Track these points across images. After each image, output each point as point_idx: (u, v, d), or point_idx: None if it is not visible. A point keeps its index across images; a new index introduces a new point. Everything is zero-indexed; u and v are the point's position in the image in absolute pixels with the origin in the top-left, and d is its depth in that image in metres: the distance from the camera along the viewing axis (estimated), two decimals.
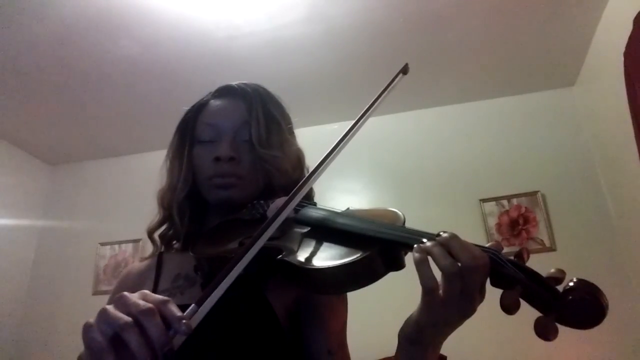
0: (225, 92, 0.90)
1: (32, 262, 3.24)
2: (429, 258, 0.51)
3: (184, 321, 0.44)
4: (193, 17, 2.20)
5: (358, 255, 0.55)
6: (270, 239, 0.60)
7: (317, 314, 0.77)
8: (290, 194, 0.64)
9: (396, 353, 0.59)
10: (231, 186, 0.81)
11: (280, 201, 0.73)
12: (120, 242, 3.14)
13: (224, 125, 0.84)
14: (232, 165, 0.80)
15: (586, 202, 2.66)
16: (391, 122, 3.09)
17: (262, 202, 0.78)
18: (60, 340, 2.95)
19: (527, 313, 0.51)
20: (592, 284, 0.48)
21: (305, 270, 0.58)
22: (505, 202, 2.75)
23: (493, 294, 0.52)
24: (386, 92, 0.79)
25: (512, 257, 0.52)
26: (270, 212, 0.73)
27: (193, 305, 0.47)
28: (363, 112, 0.76)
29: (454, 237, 0.52)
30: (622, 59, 2.01)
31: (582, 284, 0.48)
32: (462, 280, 0.49)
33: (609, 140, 2.55)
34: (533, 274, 0.50)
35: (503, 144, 2.91)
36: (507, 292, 0.49)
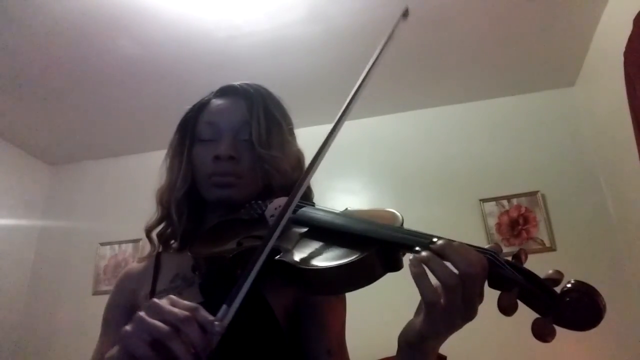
0: (226, 91, 0.90)
1: (32, 262, 3.24)
2: (426, 269, 0.50)
3: (216, 323, 0.48)
4: (193, 17, 2.20)
5: (356, 255, 0.55)
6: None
7: (316, 314, 0.76)
8: (297, 185, 0.64)
9: (396, 356, 0.59)
10: (230, 185, 0.81)
11: (279, 201, 0.73)
12: (120, 242, 3.14)
13: (225, 125, 0.84)
14: (231, 164, 0.80)
15: (586, 202, 2.66)
16: (391, 122, 3.09)
17: (260, 202, 0.77)
18: (60, 340, 2.95)
19: (528, 313, 0.51)
20: (590, 286, 0.47)
21: (303, 271, 0.58)
22: (505, 202, 2.75)
23: (493, 294, 0.52)
24: (388, 39, 0.77)
25: (509, 259, 0.52)
26: (268, 212, 0.73)
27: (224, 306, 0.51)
28: (366, 70, 0.75)
29: (448, 244, 0.50)
30: (622, 59, 2.01)
31: (579, 285, 0.48)
32: (463, 288, 0.48)
33: (609, 140, 2.55)
34: (530, 276, 0.50)
35: (503, 144, 2.91)
36: (505, 294, 0.49)
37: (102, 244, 3.16)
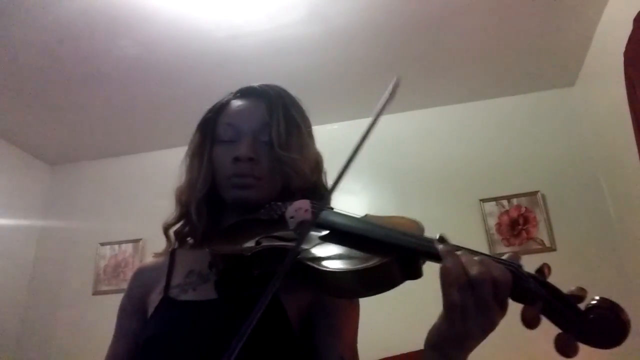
0: (246, 92, 0.90)
1: (32, 262, 3.24)
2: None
3: None
4: (193, 17, 2.20)
5: (376, 261, 0.55)
6: (288, 240, 0.60)
7: (330, 320, 0.76)
8: (328, 191, 0.66)
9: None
10: (249, 186, 0.81)
11: (299, 203, 0.73)
12: (120, 242, 3.13)
13: (244, 126, 0.84)
14: (250, 166, 0.80)
15: (586, 202, 2.66)
16: (391, 122, 3.08)
17: (279, 203, 0.77)
18: (60, 340, 2.95)
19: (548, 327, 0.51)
20: (615, 304, 0.47)
21: (323, 273, 0.58)
22: (505, 202, 2.75)
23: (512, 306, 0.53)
24: (382, 109, 0.77)
25: (533, 273, 0.52)
26: (288, 214, 0.72)
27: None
28: (362, 135, 0.75)
29: (465, 253, 0.52)
30: (622, 59, 2.01)
31: (604, 302, 0.47)
32: (473, 292, 0.50)
33: (609, 140, 2.55)
34: (554, 290, 0.50)
35: (503, 144, 2.91)
36: (528, 307, 0.49)
37: (102, 244, 3.16)
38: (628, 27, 1.93)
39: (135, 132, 3.19)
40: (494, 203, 2.76)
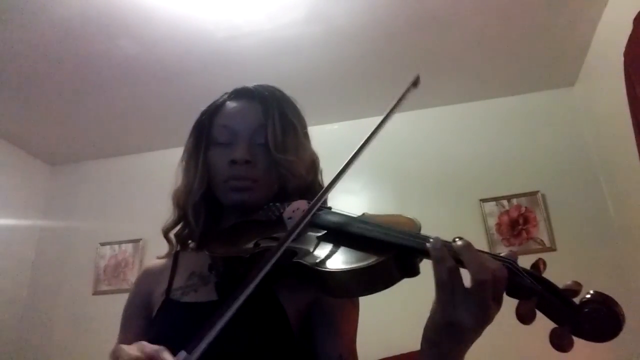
0: (241, 93, 0.90)
1: (32, 262, 3.24)
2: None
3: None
4: (193, 17, 2.20)
5: (373, 260, 0.55)
6: None
7: (330, 319, 0.76)
8: (315, 198, 0.65)
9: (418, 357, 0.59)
10: (246, 189, 0.81)
11: (297, 204, 0.74)
12: (120, 242, 3.14)
13: (240, 128, 0.84)
14: (247, 168, 0.81)
15: (586, 202, 2.66)
16: (391, 122, 3.08)
17: (277, 204, 0.78)
18: (60, 340, 2.95)
19: (544, 321, 0.51)
20: (609, 297, 0.48)
21: (320, 273, 0.58)
22: (505, 202, 2.75)
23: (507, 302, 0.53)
24: (397, 106, 0.79)
25: (528, 268, 0.52)
26: (286, 215, 0.73)
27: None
28: (372, 131, 0.76)
29: (467, 245, 0.52)
30: (622, 59, 2.01)
31: (598, 296, 0.48)
32: (475, 292, 0.50)
33: (609, 140, 2.55)
34: (550, 286, 0.50)
35: (503, 144, 2.91)
36: (523, 303, 0.49)
37: (102, 244, 3.16)
38: (628, 27, 1.93)
39: (135, 132, 3.19)
40: (494, 203, 2.76)
